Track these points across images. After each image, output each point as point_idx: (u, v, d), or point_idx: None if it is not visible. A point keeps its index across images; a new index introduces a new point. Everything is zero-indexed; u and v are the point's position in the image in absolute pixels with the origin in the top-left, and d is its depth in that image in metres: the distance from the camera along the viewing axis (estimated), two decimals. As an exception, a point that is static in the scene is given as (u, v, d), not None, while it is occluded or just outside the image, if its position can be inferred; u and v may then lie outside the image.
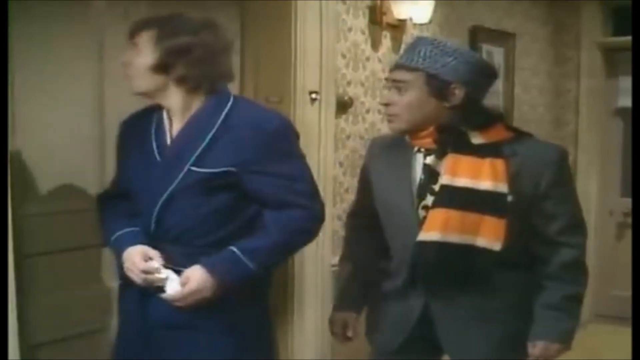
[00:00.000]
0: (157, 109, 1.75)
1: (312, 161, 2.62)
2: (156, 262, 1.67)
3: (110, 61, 2.17)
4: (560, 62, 4.57)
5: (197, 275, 1.65)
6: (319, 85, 2.63)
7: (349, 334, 2.00)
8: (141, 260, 1.67)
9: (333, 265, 2.68)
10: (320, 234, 1.86)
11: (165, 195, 1.67)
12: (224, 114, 1.70)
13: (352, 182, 2.91)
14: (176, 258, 1.68)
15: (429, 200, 1.75)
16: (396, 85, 1.77)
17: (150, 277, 1.66)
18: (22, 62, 1.91)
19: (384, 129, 3.05)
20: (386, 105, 1.81)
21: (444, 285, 1.78)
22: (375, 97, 3.02)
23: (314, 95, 2.60)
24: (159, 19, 1.70)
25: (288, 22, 2.54)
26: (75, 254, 2.11)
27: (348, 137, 2.90)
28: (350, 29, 2.85)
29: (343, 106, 2.82)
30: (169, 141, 1.72)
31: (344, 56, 2.82)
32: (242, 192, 1.71)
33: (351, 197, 2.91)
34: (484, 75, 1.80)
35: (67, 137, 2.04)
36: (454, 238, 1.70)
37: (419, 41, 1.79)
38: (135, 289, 1.71)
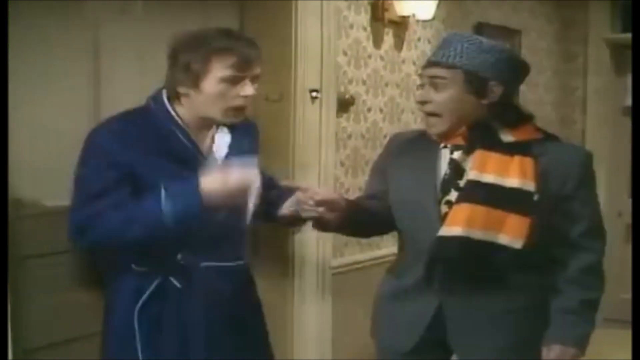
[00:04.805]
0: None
1: (312, 161, 2.61)
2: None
3: (106, 59, 2.14)
4: (567, 59, 4.52)
5: None
6: (320, 83, 2.60)
7: (320, 209, 1.76)
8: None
9: (332, 267, 2.64)
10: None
11: None
12: None
13: (353, 182, 2.88)
14: (224, 251, 1.82)
15: (453, 195, 1.74)
16: (433, 81, 1.74)
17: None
18: (14, 61, 1.87)
19: (386, 128, 3.02)
20: (422, 103, 1.77)
21: (460, 284, 1.76)
22: (377, 95, 2.98)
23: (314, 94, 2.58)
24: None
25: (288, 18, 2.52)
26: (73, 255, 2.07)
27: (349, 136, 2.86)
28: (351, 26, 2.81)
29: (344, 105, 2.79)
30: (214, 148, 1.81)
31: (345, 53, 2.79)
32: None
33: (353, 197, 2.88)
34: (519, 71, 1.81)
35: (62, 137, 2.01)
36: (477, 234, 1.69)
37: (452, 37, 1.77)
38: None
